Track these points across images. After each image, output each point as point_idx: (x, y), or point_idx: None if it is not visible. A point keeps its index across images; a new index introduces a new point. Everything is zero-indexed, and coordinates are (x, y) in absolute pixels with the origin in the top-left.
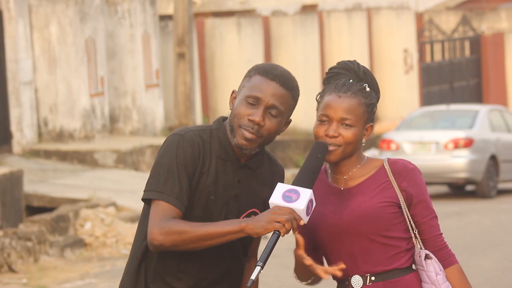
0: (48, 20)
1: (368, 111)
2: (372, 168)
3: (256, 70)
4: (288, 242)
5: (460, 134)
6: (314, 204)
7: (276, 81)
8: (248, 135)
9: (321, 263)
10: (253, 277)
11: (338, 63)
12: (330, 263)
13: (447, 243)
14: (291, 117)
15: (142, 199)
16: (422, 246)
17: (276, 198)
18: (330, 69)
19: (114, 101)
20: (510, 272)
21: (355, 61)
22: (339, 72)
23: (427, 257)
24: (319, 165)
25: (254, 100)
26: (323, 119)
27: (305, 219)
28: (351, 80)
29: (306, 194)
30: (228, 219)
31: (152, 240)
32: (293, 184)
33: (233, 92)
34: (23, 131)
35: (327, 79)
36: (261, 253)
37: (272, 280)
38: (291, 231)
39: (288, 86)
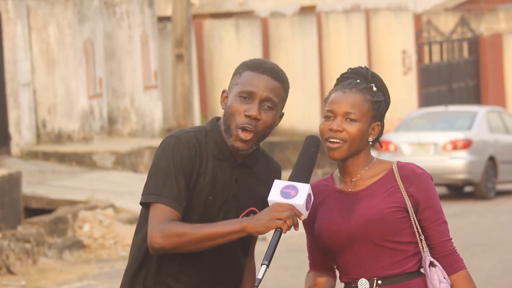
0: (46, 22)
1: (374, 109)
2: (381, 170)
3: (245, 66)
4: (286, 243)
5: (459, 135)
6: (313, 198)
7: (267, 74)
8: (243, 136)
9: (333, 270)
10: (259, 276)
11: (349, 69)
12: (338, 267)
13: (456, 249)
14: (283, 111)
15: (141, 203)
16: (428, 252)
17: (275, 195)
18: (341, 74)
19: (113, 103)
20: (509, 273)
21: (365, 66)
22: (349, 76)
23: (431, 264)
24: (314, 158)
25: (248, 95)
26: (328, 115)
27: (305, 214)
28: (358, 80)
29: (304, 189)
30: (227, 218)
31: (152, 244)
32: (289, 180)
33: (223, 91)
34: (21, 133)
35: (337, 84)
36: (265, 251)
37: (270, 281)
38: (292, 227)
39: (279, 78)
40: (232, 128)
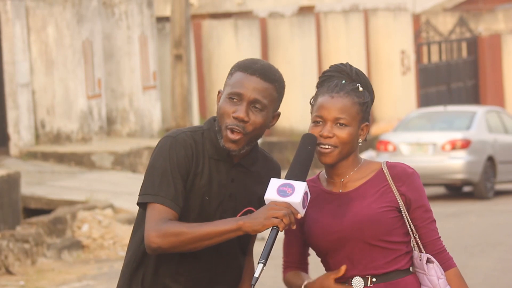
0: (45, 22)
1: (363, 110)
2: (370, 171)
3: (237, 67)
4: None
5: (457, 135)
6: (309, 196)
7: (257, 75)
8: (232, 136)
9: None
10: (256, 274)
11: (331, 66)
12: (329, 268)
13: (445, 247)
14: (279, 110)
15: (138, 203)
16: (423, 250)
17: (271, 193)
18: (323, 72)
19: (111, 103)
20: (508, 273)
21: (347, 63)
22: (332, 75)
23: (428, 261)
24: (310, 157)
25: (237, 97)
26: (317, 120)
27: (301, 212)
28: (343, 81)
29: (300, 187)
30: (223, 218)
31: (149, 243)
32: (286, 178)
33: (219, 92)
34: (20, 133)
35: (320, 82)
36: (262, 250)
37: (269, 281)
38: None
39: (269, 78)
40: (222, 129)
